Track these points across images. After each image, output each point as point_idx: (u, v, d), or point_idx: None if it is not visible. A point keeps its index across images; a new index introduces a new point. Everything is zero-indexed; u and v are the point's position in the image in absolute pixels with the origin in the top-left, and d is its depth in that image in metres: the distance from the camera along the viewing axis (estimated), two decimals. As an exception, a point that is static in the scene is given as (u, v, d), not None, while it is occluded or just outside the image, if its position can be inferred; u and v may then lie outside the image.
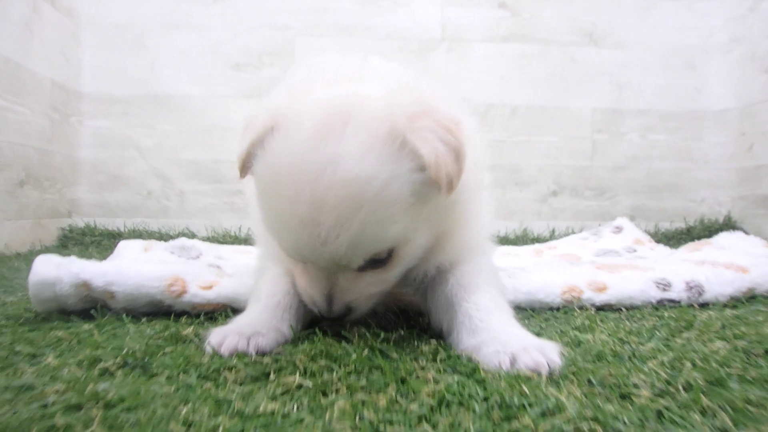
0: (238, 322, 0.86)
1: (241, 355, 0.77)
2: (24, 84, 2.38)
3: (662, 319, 1.02)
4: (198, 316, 1.05)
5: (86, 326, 0.94)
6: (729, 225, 2.77)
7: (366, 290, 0.85)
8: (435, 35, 2.97)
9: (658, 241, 2.17)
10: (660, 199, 3.04)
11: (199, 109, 2.90)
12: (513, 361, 0.72)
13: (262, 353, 0.79)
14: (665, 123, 3.04)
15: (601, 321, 1.02)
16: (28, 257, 2.12)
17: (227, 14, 2.91)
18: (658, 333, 0.89)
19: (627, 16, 3.04)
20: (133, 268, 1.07)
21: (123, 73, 2.88)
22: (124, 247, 1.59)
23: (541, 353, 0.72)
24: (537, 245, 2.18)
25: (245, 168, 0.83)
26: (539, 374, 0.68)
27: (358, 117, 0.76)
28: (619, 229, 2.13)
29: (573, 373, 0.69)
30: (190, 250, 1.56)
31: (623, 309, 1.13)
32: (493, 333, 0.80)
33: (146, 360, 0.75)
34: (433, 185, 0.77)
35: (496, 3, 2.99)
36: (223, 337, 0.80)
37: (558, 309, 1.13)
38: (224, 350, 0.78)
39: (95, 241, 2.68)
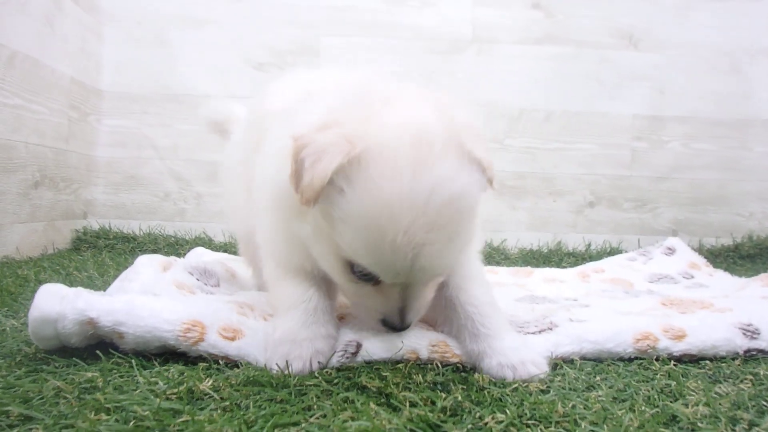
0: (286, 335, 0.92)
1: None
2: (42, 81, 2.29)
3: (759, 380, 0.87)
4: (216, 361, 0.92)
5: (89, 374, 0.82)
6: (782, 243, 2.59)
7: (428, 297, 0.92)
8: (465, 36, 2.84)
9: (703, 257, 2.01)
10: (704, 213, 2.87)
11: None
12: (514, 373, 0.88)
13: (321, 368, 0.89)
14: (710, 131, 2.87)
15: (686, 378, 0.87)
16: (39, 262, 2.02)
17: (250, 11, 2.81)
18: (766, 404, 0.74)
19: (668, 17, 2.87)
20: (147, 307, 0.94)
21: (142, 71, 2.80)
22: (142, 265, 1.47)
23: (535, 366, 0.90)
24: (582, 267, 2.02)
25: (319, 196, 0.81)
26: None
27: (435, 142, 0.81)
28: (671, 251, 1.97)
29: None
30: (210, 277, 1.44)
31: (707, 361, 0.98)
32: (493, 343, 0.93)
33: (157, 433, 0.63)
34: (485, 187, 0.86)
35: (529, 3, 2.85)
36: (286, 364, 0.87)
37: (630, 360, 0.99)
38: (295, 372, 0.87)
39: (109, 245, 2.60)
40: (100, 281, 1.67)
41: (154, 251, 2.49)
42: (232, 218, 1.54)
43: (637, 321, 1.03)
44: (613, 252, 2.63)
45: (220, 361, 0.91)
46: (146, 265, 1.48)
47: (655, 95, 2.87)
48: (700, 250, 2.64)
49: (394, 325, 0.90)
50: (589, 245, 2.76)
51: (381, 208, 0.78)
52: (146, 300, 0.97)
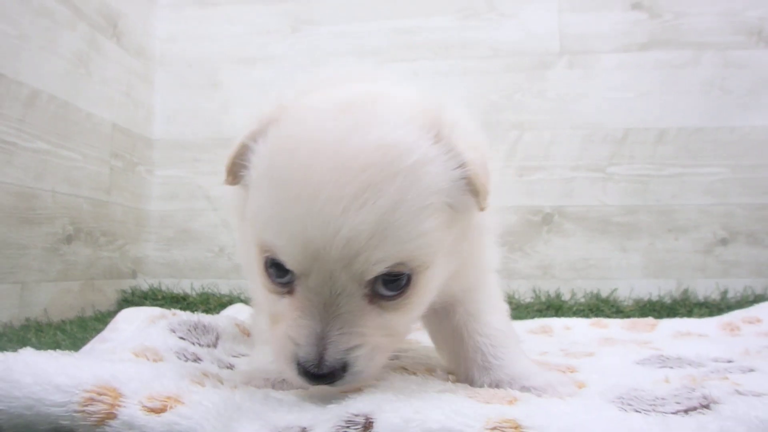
0: (258, 364, 0.84)
1: None
2: (75, 126, 2.10)
3: None
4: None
5: None
6: None
7: (373, 335, 0.66)
8: (552, 48, 2.47)
9: None
10: None
11: (274, 153, 2.56)
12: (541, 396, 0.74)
13: None
14: None
15: None
16: (76, 324, 1.77)
17: (306, 44, 2.60)
18: None
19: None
20: (32, 370, 0.62)
21: (194, 116, 2.64)
22: (124, 320, 1.16)
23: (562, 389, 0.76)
24: (727, 317, 1.54)
25: (236, 170, 0.73)
26: None
27: (387, 101, 0.70)
28: None
29: None
30: (205, 333, 1.08)
31: None
32: (509, 371, 0.80)
33: None
34: (467, 193, 0.70)
35: (628, 3, 2.45)
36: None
37: None
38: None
39: (156, 306, 2.35)
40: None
41: (204, 312, 2.28)
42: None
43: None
44: (758, 300, 2.13)
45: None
46: (129, 320, 1.17)
47: (800, 101, 2.37)
48: None
49: (307, 364, 0.64)
50: (726, 293, 2.25)
51: (289, 152, 0.65)
52: (35, 358, 0.66)
